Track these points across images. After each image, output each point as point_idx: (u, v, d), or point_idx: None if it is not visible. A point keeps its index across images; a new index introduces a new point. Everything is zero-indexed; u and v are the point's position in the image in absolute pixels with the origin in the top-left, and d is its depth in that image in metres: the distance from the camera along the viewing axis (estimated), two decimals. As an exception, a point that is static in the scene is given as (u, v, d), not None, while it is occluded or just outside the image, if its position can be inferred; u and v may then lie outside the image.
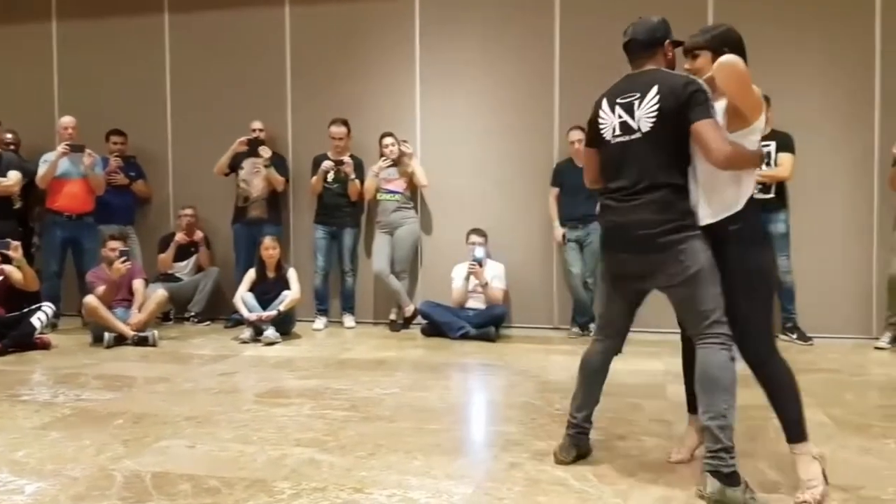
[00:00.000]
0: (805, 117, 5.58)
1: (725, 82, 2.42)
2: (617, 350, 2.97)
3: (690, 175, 2.56)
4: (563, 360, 4.91)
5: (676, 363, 4.60)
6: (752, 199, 2.50)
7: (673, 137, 2.53)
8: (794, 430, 2.48)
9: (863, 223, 5.60)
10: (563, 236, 5.81)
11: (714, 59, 2.49)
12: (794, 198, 5.55)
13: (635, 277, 2.71)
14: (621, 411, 3.56)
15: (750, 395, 3.77)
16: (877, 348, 5.20)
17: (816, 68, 5.66)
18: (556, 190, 5.90)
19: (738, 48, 2.53)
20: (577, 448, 2.84)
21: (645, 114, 2.57)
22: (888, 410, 3.59)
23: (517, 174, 6.20)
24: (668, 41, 2.72)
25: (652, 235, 2.54)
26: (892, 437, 3.14)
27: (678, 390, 3.94)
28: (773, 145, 5.38)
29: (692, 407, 2.82)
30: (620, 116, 2.65)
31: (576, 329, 5.85)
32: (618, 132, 2.65)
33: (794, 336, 5.44)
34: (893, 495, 2.48)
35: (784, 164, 5.34)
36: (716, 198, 2.49)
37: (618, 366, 4.58)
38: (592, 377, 2.95)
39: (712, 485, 2.38)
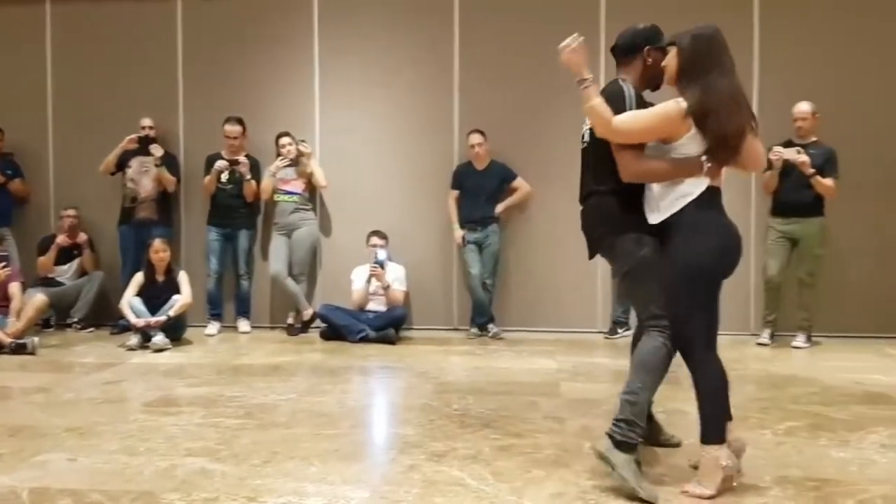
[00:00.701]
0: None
1: (597, 131, 2.65)
2: None
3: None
4: (461, 360, 4.98)
5: (570, 361, 4.83)
6: (700, 200, 2.55)
7: (606, 145, 2.66)
8: (704, 431, 2.55)
9: (741, 226, 5.91)
10: (463, 238, 5.89)
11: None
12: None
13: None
14: (517, 410, 3.64)
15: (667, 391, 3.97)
16: (758, 344, 5.50)
17: (535, 88, 5.99)
18: (455, 192, 5.97)
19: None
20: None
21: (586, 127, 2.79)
22: (764, 403, 3.81)
23: (417, 176, 6.24)
24: (647, 48, 2.78)
25: (593, 240, 2.81)
26: (768, 427, 3.35)
27: (572, 387, 4.11)
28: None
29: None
30: (584, 124, 2.82)
31: (475, 330, 5.94)
32: (583, 139, 2.84)
33: None
34: (770, 483, 2.63)
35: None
36: (656, 200, 2.63)
37: (513, 364, 4.76)
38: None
39: (604, 443, 2.55)
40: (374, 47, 6.31)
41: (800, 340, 5.42)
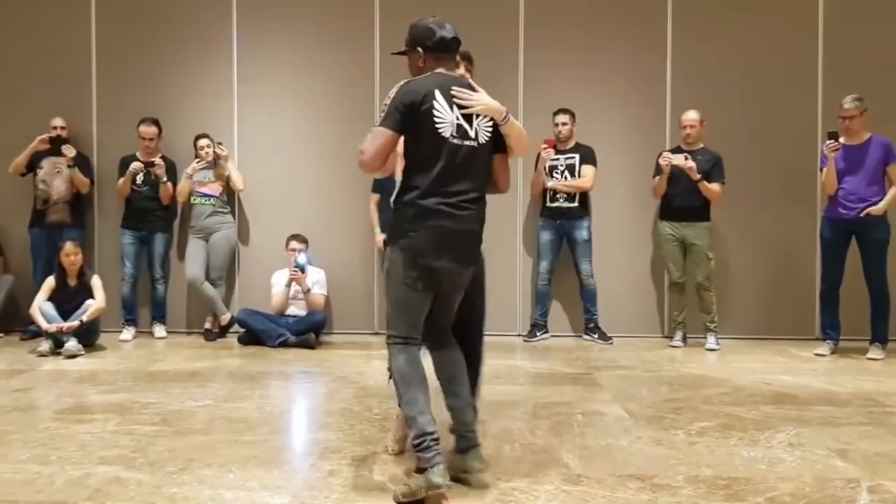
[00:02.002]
0: (605, 132, 6.13)
1: (520, 152, 2.87)
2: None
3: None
4: (382, 365, 4.98)
5: (489, 364, 4.87)
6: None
7: (493, 153, 2.79)
8: None
9: (650, 231, 6.20)
10: (384, 242, 5.93)
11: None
12: (596, 206, 6.08)
13: (445, 283, 2.71)
14: (437, 412, 3.67)
15: (557, 393, 4.14)
16: (671, 346, 5.73)
17: (615, 83, 6.20)
18: (376, 196, 5.99)
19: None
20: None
21: (483, 126, 2.71)
22: (677, 403, 3.94)
23: (337, 179, 6.27)
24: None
25: (476, 246, 2.81)
26: (681, 428, 3.47)
27: (492, 390, 4.20)
28: (576, 157, 5.88)
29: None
30: (458, 119, 2.65)
31: (394, 333, 6.01)
32: (456, 134, 2.64)
33: (596, 336, 5.94)
34: (683, 482, 2.74)
35: (586, 176, 5.85)
36: None
37: (433, 367, 4.84)
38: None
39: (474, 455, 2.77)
40: (293, 48, 6.31)
41: (711, 342, 5.64)
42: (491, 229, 6.12)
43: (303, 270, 5.75)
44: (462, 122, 2.66)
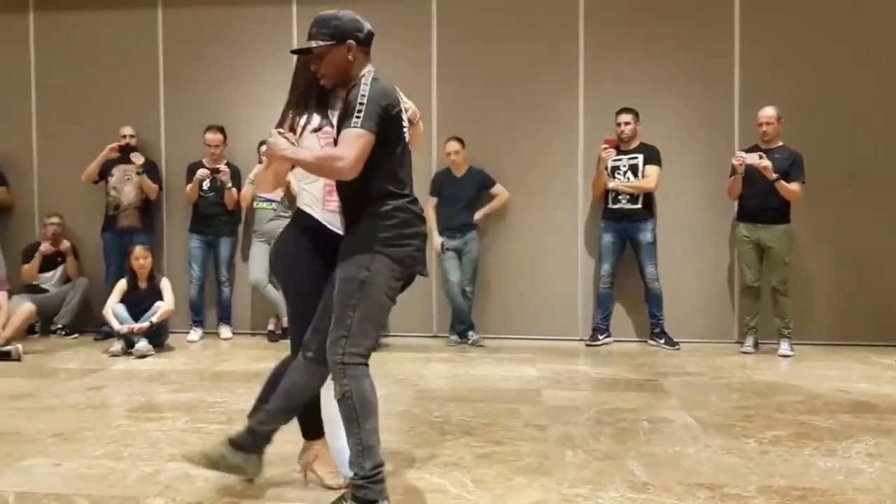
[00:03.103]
0: (669, 131, 6.00)
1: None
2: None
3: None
4: (441, 368, 5.04)
5: (551, 368, 4.91)
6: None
7: None
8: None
9: (725, 232, 6.00)
10: (442, 245, 5.95)
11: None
12: (660, 208, 5.96)
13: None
14: (497, 417, 3.70)
15: (621, 399, 4.07)
16: (742, 352, 5.53)
17: (680, 82, 6.05)
18: (433, 200, 6.04)
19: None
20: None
21: (405, 123, 2.57)
22: (748, 411, 3.82)
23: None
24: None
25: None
26: (752, 436, 3.37)
27: (553, 395, 4.17)
28: (640, 157, 5.78)
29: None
30: (403, 120, 2.54)
31: (454, 337, 6.00)
32: (406, 139, 2.56)
33: (662, 341, 5.77)
34: (754, 492, 2.66)
35: (650, 176, 5.74)
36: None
37: (494, 372, 4.85)
38: None
39: None
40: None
41: (784, 348, 5.44)
42: (551, 231, 6.21)
43: None
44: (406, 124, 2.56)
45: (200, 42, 6.46)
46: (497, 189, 6.05)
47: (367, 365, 2.44)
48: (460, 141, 5.95)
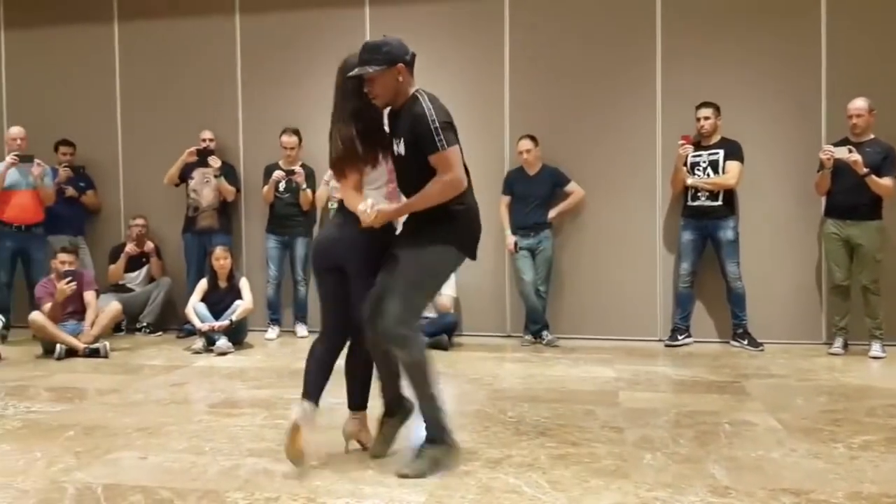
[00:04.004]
0: (752, 126, 5.78)
1: None
2: None
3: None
4: (515, 368, 5.00)
5: (628, 369, 4.81)
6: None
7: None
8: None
9: (812, 229, 5.77)
10: (515, 244, 5.90)
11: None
12: (742, 205, 5.75)
13: None
14: (573, 418, 3.64)
15: (702, 402, 3.95)
16: (830, 354, 5.29)
17: (763, 74, 5.82)
18: (507, 198, 5.98)
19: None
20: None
21: None
22: (836, 415, 3.67)
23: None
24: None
25: None
26: (840, 440, 3.23)
27: (631, 396, 4.08)
28: (720, 153, 5.59)
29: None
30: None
31: (528, 337, 5.93)
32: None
33: (745, 342, 5.57)
34: (843, 499, 2.55)
35: (731, 172, 5.54)
36: None
37: (569, 372, 4.77)
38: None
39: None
40: (424, 55, 6.36)
41: (876, 350, 5.19)
42: (630, 229, 6.09)
43: None
44: None
45: (276, 47, 6.59)
46: (571, 187, 5.96)
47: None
48: (533, 139, 5.89)
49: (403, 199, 2.89)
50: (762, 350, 5.48)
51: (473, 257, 2.96)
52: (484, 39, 6.25)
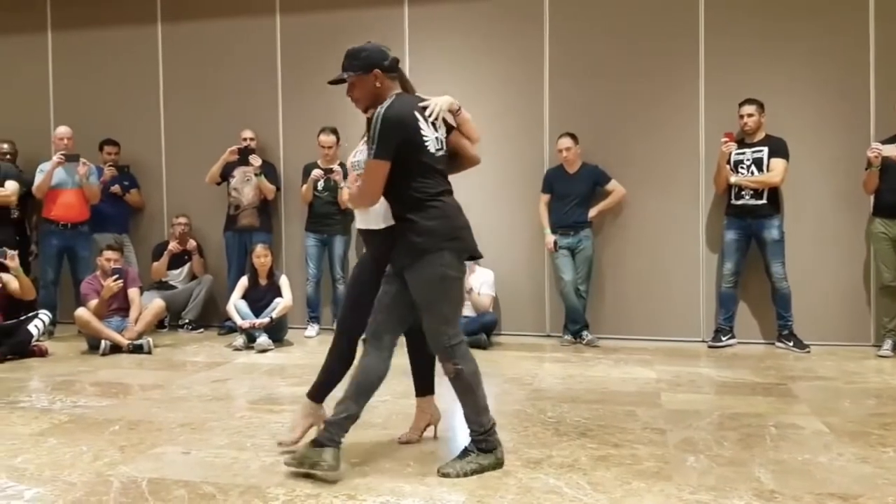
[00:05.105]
0: (797, 122, 5.66)
1: None
2: None
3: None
4: (555, 368, 4.95)
5: (670, 370, 4.74)
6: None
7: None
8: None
9: (859, 228, 5.62)
10: (554, 243, 5.85)
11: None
12: (788, 203, 5.63)
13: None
14: (614, 419, 3.59)
15: (746, 404, 3.87)
16: (879, 356, 5.16)
17: (809, 69, 5.70)
18: (546, 196, 5.94)
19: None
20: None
21: (442, 135, 2.92)
22: (885, 419, 3.58)
23: (507, 181, 6.25)
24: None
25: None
26: (890, 445, 3.15)
27: (673, 398, 4.02)
28: (765, 151, 5.47)
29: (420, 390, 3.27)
30: (436, 132, 2.86)
31: (568, 337, 5.88)
32: (439, 147, 2.87)
33: (791, 343, 5.45)
34: None
35: (776, 170, 5.42)
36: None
37: (610, 373, 4.71)
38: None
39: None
40: (462, 52, 6.38)
41: None
42: (672, 228, 6.01)
43: None
44: (439, 134, 2.90)
45: (316, 46, 6.63)
46: (612, 185, 5.89)
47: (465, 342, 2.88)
48: (573, 137, 5.83)
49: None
50: (808, 352, 5.35)
51: (465, 258, 2.90)
52: (523, 36, 6.21)
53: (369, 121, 2.83)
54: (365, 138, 2.96)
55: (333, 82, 2.93)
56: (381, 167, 2.71)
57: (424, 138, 2.78)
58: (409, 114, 2.76)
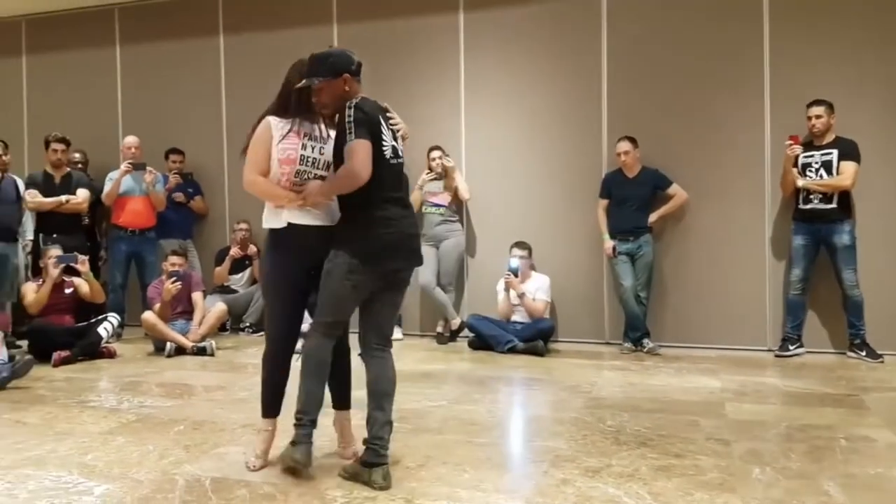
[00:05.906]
0: (870, 122, 5.47)
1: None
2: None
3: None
4: (614, 376, 4.86)
5: (735, 380, 4.62)
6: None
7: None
8: None
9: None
10: (613, 249, 5.77)
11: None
12: (860, 208, 5.44)
13: (393, 285, 2.93)
14: (676, 429, 3.51)
15: (815, 415, 3.74)
16: None
17: (879, 69, 5.49)
18: (605, 201, 5.86)
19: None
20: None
21: (400, 146, 2.94)
22: None
23: (563, 186, 6.20)
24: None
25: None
26: None
27: (738, 408, 3.91)
28: (834, 153, 5.29)
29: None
30: (394, 141, 2.87)
31: (628, 344, 5.77)
32: (393, 155, 2.85)
33: (863, 353, 5.25)
34: None
35: (846, 173, 5.23)
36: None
37: (672, 382, 4.62)
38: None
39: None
40: (518, 58, 6.35)
41: None
42: (737, 233, 5.87)
43: (515, 274, 5.73)
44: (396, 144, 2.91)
45: (372, 53, 6.61)
46: (673, 189, 5.77)
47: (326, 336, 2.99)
48: (632, 140, 5.74)
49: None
50: (882, 362, 5.15)
51: (377, 267, 2.82)
52: (580, 40, 6.16)
53: (339, 121, 2.84)
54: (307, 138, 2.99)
55: (301, 88, 2.94)
56: (364, 145, 2.71)
57: (383, 141, 2.80)
58: (375, 115, 2.80)
